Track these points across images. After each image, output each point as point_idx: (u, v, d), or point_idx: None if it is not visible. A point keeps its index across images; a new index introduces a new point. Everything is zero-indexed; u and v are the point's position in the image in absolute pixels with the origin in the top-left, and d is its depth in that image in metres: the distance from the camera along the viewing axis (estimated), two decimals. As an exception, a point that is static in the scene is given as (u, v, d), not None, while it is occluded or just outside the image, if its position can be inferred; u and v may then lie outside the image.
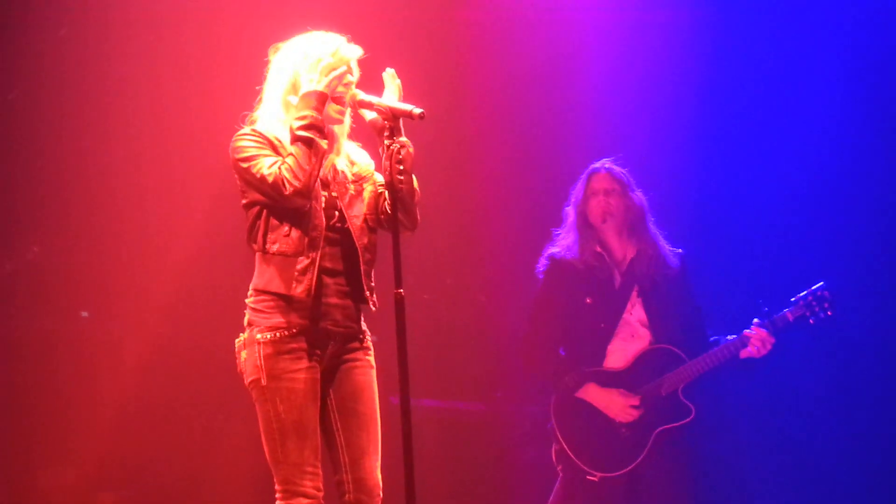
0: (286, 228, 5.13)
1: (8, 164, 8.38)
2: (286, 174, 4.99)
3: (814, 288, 6.95)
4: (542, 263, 7.12)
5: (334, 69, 5.14)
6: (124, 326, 8.41)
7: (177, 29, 8.35)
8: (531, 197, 8.59)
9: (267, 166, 5.03)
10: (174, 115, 8.30)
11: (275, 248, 5.14)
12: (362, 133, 5.38)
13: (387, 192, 5.13)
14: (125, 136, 8.38)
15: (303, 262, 5.11)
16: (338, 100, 5.17)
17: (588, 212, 7.08)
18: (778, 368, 7.58)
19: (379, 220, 5.29)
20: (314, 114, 5.04)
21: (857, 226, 8.15)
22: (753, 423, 8.17)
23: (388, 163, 4.99)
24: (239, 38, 7.91)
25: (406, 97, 5.09)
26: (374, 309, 5.29)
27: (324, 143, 5.04)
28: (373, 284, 5.28)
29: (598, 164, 7.15)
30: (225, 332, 5.52)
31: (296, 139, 5.03)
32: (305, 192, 5.03)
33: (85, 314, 8.58)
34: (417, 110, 4.96)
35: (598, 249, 7.02)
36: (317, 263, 5.12)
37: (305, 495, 5.12)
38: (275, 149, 5.11)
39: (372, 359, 5.31)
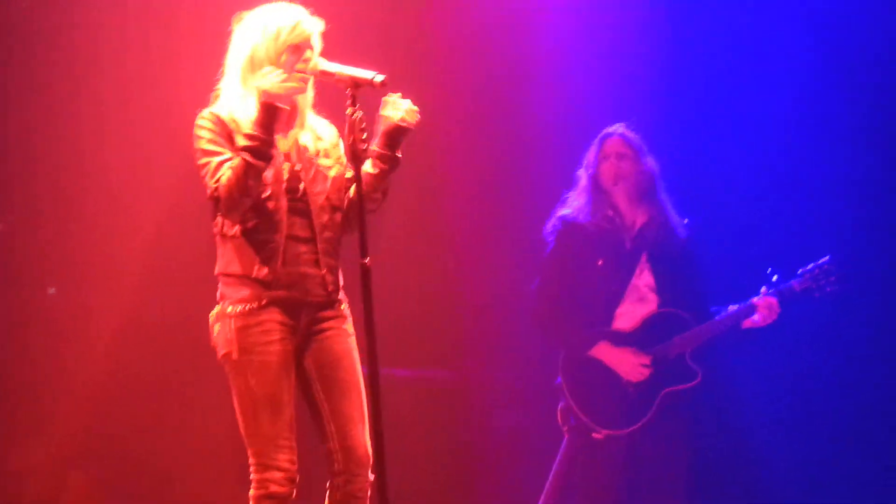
0: (250, 213, 5.12)
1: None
2: (222, 192, 5.01)
3: (820, 261, 6.99)
4: (553, 225, 7.17)
5: (291, 45, 5.13)
6: (92, 302, 8.38)
7: (141, 1, 8.30)
8: (498, 160, 8.58)
9: (211, 173, 5.04)
10: (140, 88, 8.26)
11: (234, 230, 5.14)
12: (330, 104, 5.37)
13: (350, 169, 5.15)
14: (91, 110, 8.33)
15: (267, 247, 5.12)
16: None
17: (600, 175, 7.13)
18: (783, 342, 7.60)
19: (342, 199, 5.29)
20: (261, 136, 5.00)
21: (864, 201, 8.12)
22: (756, 394, 8.16)
23: (349, 132, 4.97)
24: (203, 10, 7.86)
25: (364, 62, 5.08)
26: (344, 306, 5.29)
27: (265, 161, 5.02)
28: (334, 264, 5.26)
29: (611, 129, 7.19)
30: (196, 305, 5.51)
31: (239, 149, 5.02)
32: (236, 213, 5.07)
33: (52, 290, 8.55)
34: (379, 77, 4.96)
35: (610, 213, 7.07)
36: (281, 246, 5.12)
37: (279, 468, 5.12)
38: (229, 136, 5.09)
39: (350, 326, 5.29)
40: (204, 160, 5.09)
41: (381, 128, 5.25)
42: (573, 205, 7.17)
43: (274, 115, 5.01)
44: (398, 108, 5.22)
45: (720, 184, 8.19)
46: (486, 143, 8.64)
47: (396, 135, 5.25)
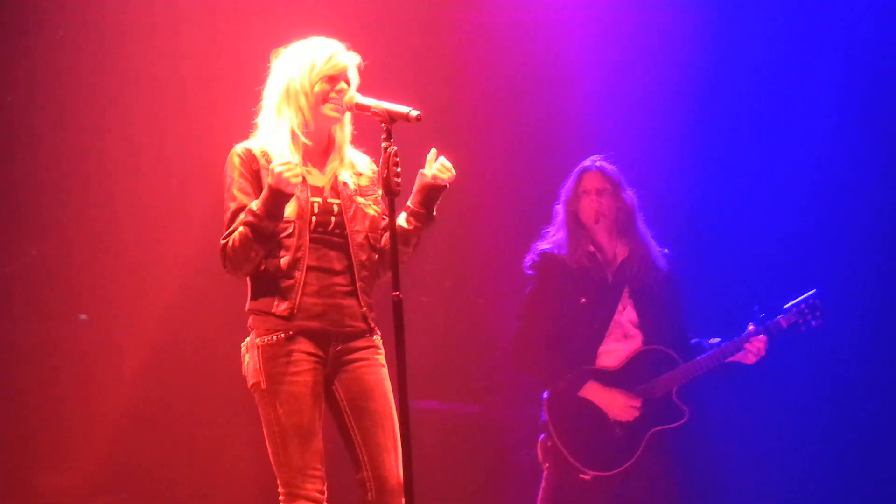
0: (274, 250, 5.18)
1: (6, 166, 8.37)
2: (228, 252, 5.12)
3: (806, 296, 6.99)
4: (532, 259, 7.12)
5: (325, 75, 5.20)
6: (124, 329, 8.40)
7: (176, 29, 8.35)
8: (529, 199, 8.57)
9: (226, 223, 5.16)
10: (174, 117, 8.29)
11: (259, 268, 5.20)
12: (367, 139, 5.42)
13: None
14: (125, 139, 8.37)
15: (287, 283, 5.17)
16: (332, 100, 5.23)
17: (579, 211, 7.08)
18: (767, 375, 7.59)
19: (379, 239, 5.35)
20: (262, 215, 5.07)
21: (848, 231, 8.15)
22: (741, 429, 8.17)
23: (384, 166, 5.00)
24: (240, 39, 7.92)
25: (400, 98, 5.12)
26: (376, 337, 5.33)
27: (265, 240, 5.10)
28: (371, 302, 5.31)
29: (588, 162, 7.13)
30: (226, 334, 5.55)
31: (243, 223, 5.10)
32: (240, 272, 5.17)
33: (84, 317, 8.57)
34: (414, 112, 4.99)
35: (591, 249, 7.02)
36: (301, 283, 5.17)
37: (307, 498, 5.15)
38: (256, 175, 5.18)
39: (381, 357, 5.33)
40: (226, 204, 5.21)
41: (416, 185, 5.34)
42: (552, 239, 7.12)
43: (280, 200, 5.07)
44: (432, 166, 5.31)
45: (704, 214, 8.22)
46: (517, 180, 8.65)
47: (431, 192, 5.33)
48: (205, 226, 8.00)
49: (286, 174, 5.00)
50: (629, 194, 7.08)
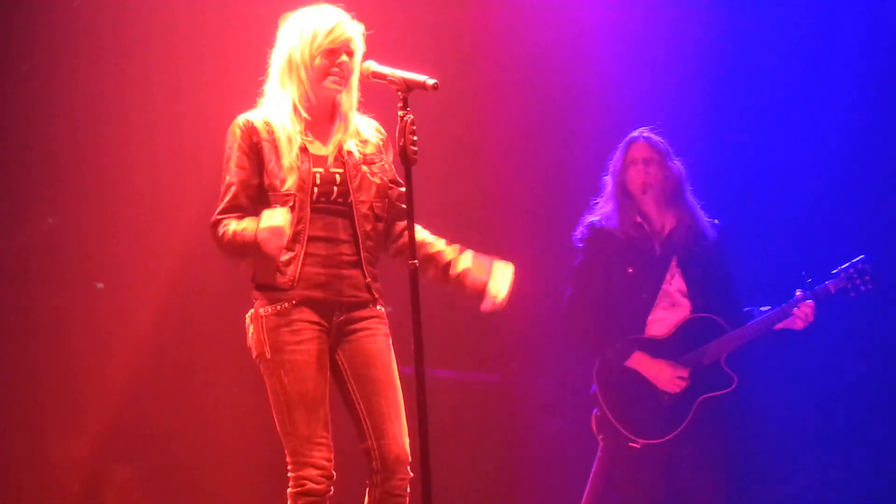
0: None
1: (23, 134, 8.37)
2: (220, 244, 5.19)
3: (855, 260, 6.94)
4: (582, 232, 7.14)
5: (326, 49, 5.19)
6: (139, 298, 8.41)
7: (192, 2, 8.34)
8: (547, 166, 8.58)
9: (221, 195, 5.22)
10: (188, 85, 8.29)
11: None
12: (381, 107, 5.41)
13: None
14: (141, 107, 8.37)
15: (287, 255, 5.17)
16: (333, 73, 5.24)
17: (627, 181, 7.08)
18: (820, 347, 7.56)
19: (385, 208, 5.35)
20: (251, 251, 5.12)
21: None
22: (794, 400, 8.13)
23: (400, 135, 4.99)
24: (255, 7, 7.91)
25: (416, 67, 5.10)
26: (379, 306, 5.34)
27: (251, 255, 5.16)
28: (375, 272, 5.32)
29: (636, 133, 7.13)
30: (238, 303, 5.54)
31: (236, 232, 5.14)
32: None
33: (100, 285, 8.60)
34: (431, 81, 4.98)
35: (639, 219, 7.03)
36: (300, 255, 5.18)
37: (315, 466, 5.16)
38: (255, 148, 5.21)
39: (385, 327, 5.34)
40: (223, 176, 5.26)
41: (467, 278, 5.31)
42: (601, 211, 7.13)
43: (263, 253, 5.10)
44: (499, 289, 5.31)
45: (752, 183, 8.17)
46: (533, 147, 8.63)
47: (470, 288, 5.31)
48: (218, 194, 8.02)
49: (271, 246, 5.05)
50: (676, 164, 7.08)
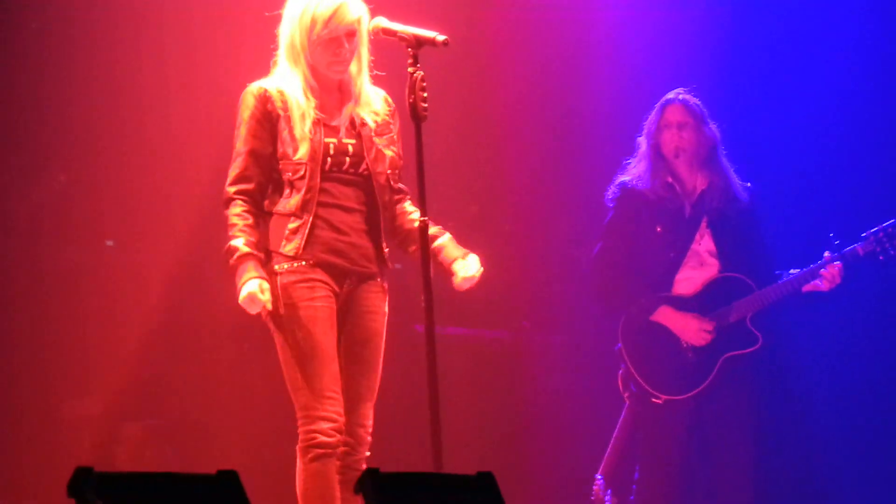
0: (287, 191, 5.24)
1: (37, 93, 8.36)
2: (229, 206, 5.29)
3: (885, 224, 6.90)
4: (613, 191, 7.12)
5: (324, 40, 5.19)
6: (150, 256, 8.41)
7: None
8: (556, 126, 8.55)
9: (232, 163, 5.30)
10: (201, 47, 8.28)
11: (269, 208, 5.28)
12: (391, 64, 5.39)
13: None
14: (155, 67, 8.36)
15: (296, 223, 5.21)
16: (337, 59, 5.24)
17: (661, 143, 7.05)
18: (845, 308, 7.53)
19: (397, 179, 5.41)
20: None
21: None
22: (817, 358, 8.09)
23: (410, 91, 4.99)
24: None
25: (426, 24, 5.10)
26: (384, 277, 5.41)
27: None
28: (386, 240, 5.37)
29: (671, 95, 7.10)
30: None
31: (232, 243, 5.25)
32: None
33: (110, 243, 8.60)
34: (441, 37, 5.00)
35: (669, 180, 7.02)
36: (307, 225, 5.20)
37: (326, 419, 5.20)
38: (268, 116, 5.24)
39: (385, 304, 5.41)
40: (235, 143, 5.31)
41: (440, 254, 5.37)
42: (633, 171, 7.12)
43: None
44: (464, 277, 5.36)
45: (783, 148, 8.13)
46: (543, 106, 8.59)
47: (441, 264, 5.37)
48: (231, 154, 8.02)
49: (252, 308, 5.15)
50: (711, 128, 7.05)
